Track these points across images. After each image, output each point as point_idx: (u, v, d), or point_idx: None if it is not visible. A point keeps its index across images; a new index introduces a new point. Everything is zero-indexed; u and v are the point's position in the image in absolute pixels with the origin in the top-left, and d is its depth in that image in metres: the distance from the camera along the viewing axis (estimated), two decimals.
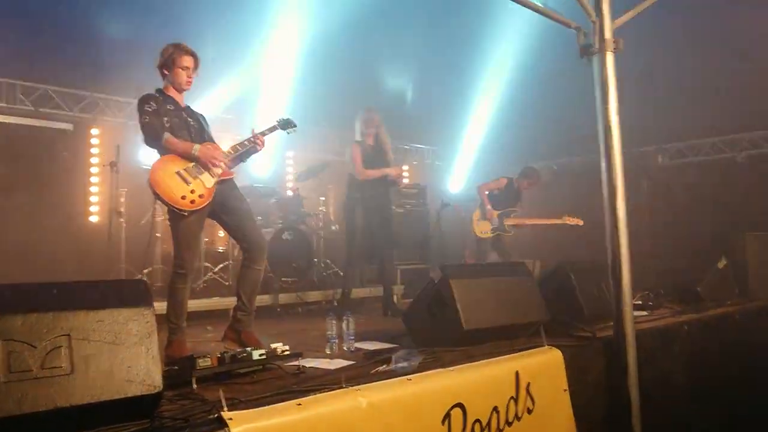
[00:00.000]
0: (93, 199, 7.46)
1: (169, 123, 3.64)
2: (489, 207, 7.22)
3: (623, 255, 3.57)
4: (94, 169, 7.50)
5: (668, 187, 7.59)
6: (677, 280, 5.85)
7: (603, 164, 3.65)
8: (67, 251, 6.77)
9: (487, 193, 7.31)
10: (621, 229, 3.59)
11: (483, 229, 7.25)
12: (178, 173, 3.54)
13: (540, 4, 3.75)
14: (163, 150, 3.61)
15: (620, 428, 3.52)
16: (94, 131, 7.58)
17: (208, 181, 3.62)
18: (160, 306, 4.15)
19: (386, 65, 9.43)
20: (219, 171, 3.68)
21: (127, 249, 6.59)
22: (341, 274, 7.32)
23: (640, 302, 5.09)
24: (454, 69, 9.79)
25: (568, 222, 7.16)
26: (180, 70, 3.71)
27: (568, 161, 10.57)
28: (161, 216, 6.82)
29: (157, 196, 3.51)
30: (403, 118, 10.25)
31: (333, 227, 7.89)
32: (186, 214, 3.52)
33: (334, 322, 3.80)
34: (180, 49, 3.72)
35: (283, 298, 6.18)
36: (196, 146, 3.62)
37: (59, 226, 6.97)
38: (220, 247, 6.94)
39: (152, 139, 3.58)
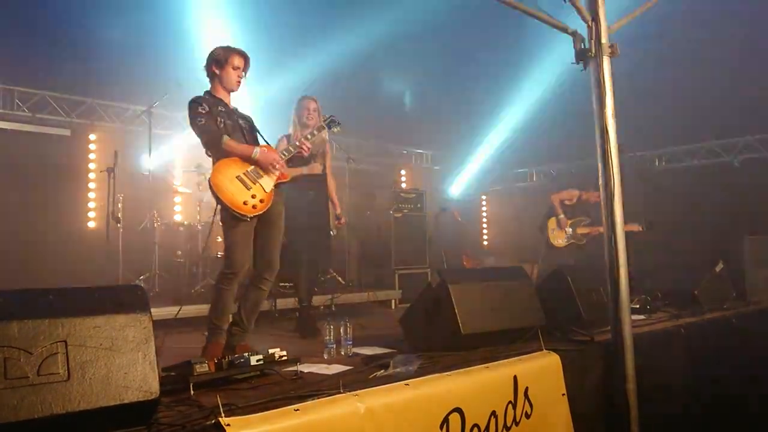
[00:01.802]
0: (90, 204, 7.44)
1: (223, 124, 3.65)
2: (563, 216, 7.34)
3: (620, 259, 3.57)
4: (91, 175, 7.49)
5: (665, 190, 7.60)
6: (675, 283, 5.84)
7: (600, 168, 3.66)
8: (64, 257, 6.74)
9: (560, 200, 7.43)
10: (618, 233, 3.59)
11: (558, 238, 7.37)
12: (238, 178, 3.56)
13: (536, 10, 3.77)
14: (222, 153, 3.61)
15: None
16: (92, 137, 7.57)
17: (267, 185, 3.65)
18: (157, 312, 4.15)
19: (386, 71, 9.46)
20: (277, 174, 3.71)
21: (124, 255, 6.57)
22: (339, 279, 7.34)
23: (637, 306, 5.09)
24: (454, 72, 9.83)
25: (627, 229, 7.17)
26: (231, 69, 3.72)
27: (566, 166, 10.61)
28: (158, 222, 6.81)
29: (219, 201, 3.53)
30: (401, 122, 10.29)
31: (331, 232, 7.88)
32: (248, 219, 3.54)
33: (331, 327, 3.79)
34: (232, 49, 3.75)
35: (281, 303, 6.15)
36: (256, 149, 3.64)
37: (56, 232, 6.95)
38: (218, 253, 6.92)
39: (212, 142, 3.60)
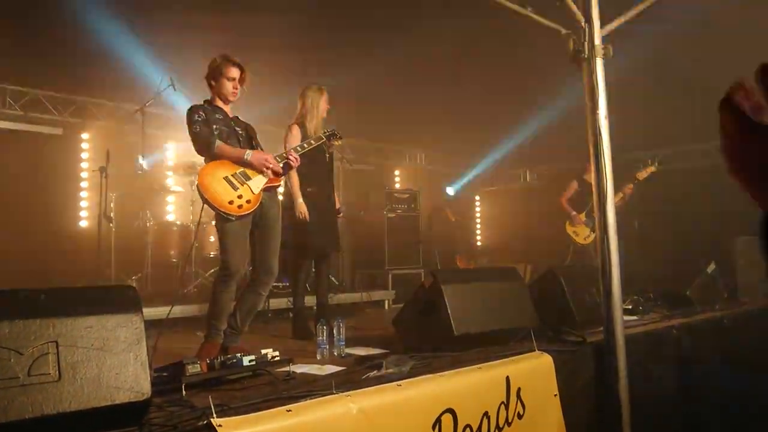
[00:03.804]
0: (83, 204, 7.41)
1: (219, 131, 3.70)
2: (573, 213, 7.16)
3: (613, 259, 3.59)
4: (83, 174, 7.46)
5: (658, 191, 7.62)
6: (667, 284, 5.87)
7: (593, 169, 3.67)
8: (55, 256, 6.71)
9: (567, 199, 7.27)
10: (611, 234, 3.60)
11: (584, 235, 7.14)
12: (226, 178, 3.59)
13: (530, 11, 3.78)
14: (214, 157, 3.65)
15: None
16: (84, 136, 7.54)
17: (255, 186, 3.66)
18: (150, 312, 4.13)
19: (381, 65, 9.43)
20: (269, 176, 3.72)
21: (116, 254, 6.54)
22: (333, 279, 7.33)
23: (629, 307, 5.10)
24: (451, 69, 9.80)
25: (640, 178, 7.07)
26: (226, 80, 3.78)
27: (559, 166, 10.63)
28: (151, 221, 6.79)
29: (204, 201, 3.54)
30: (395, 121, 10.27)
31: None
32: (233, 218, 3.55)
33: (324, 327, 3.79)
34: (227, 60, 3.79)
35: (274, 303, 6.15)
36: (249, 152, 3.69)
37: (48, 231, 6.91)
38: (211, 253, 6.91)
39: (204, 147, 3.65)
